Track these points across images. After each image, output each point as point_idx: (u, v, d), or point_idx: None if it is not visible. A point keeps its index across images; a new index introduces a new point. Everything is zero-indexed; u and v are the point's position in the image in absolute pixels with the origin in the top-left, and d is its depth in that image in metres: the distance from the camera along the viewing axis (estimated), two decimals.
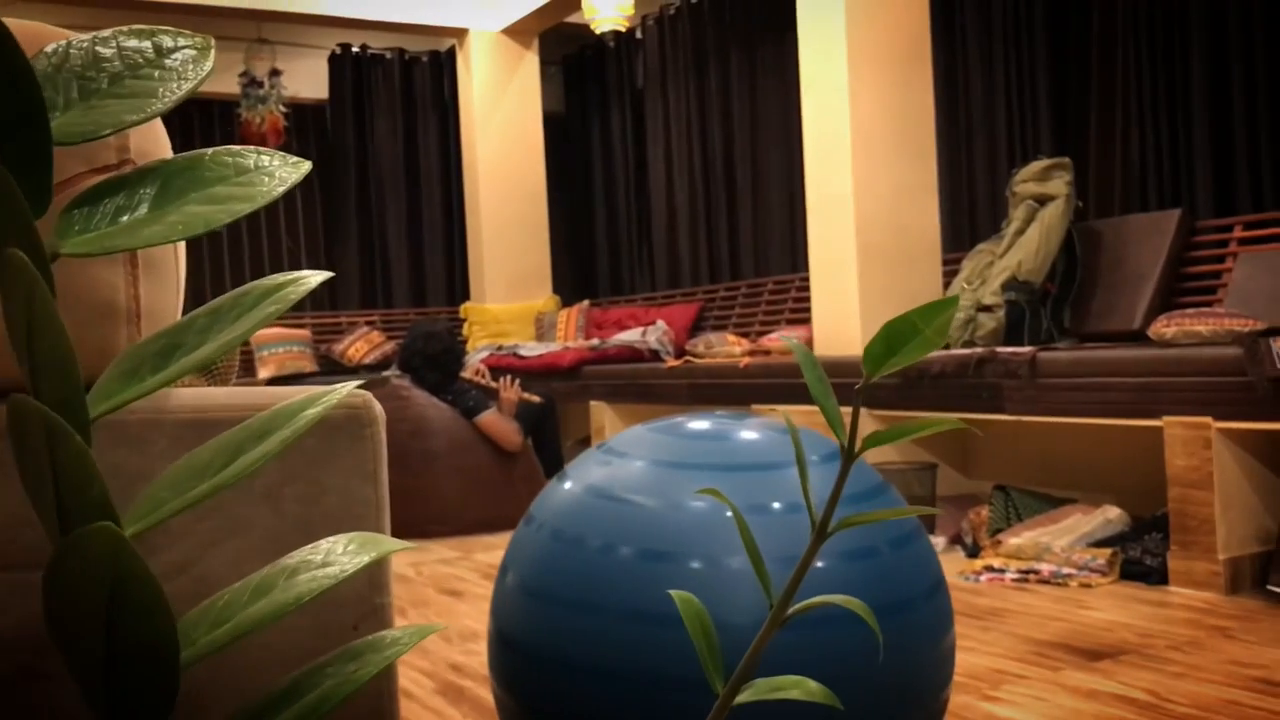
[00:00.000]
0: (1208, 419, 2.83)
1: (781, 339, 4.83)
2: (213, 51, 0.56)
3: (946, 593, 1.48)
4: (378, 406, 1.01)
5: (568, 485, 1.50)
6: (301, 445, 0.86)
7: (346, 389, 0.61)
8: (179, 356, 0.53)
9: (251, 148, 0.56)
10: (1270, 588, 2.69)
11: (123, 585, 0.46)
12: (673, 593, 0.70)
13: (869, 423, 3.87)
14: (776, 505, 1.37)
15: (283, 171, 0.54)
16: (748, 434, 1.49)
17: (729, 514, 1.32)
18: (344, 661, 0.58)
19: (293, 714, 0.53)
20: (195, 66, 0.53)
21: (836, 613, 1.27)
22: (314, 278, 0.59)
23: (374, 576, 0.98)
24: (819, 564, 1.33)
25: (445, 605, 3.08)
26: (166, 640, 0.48)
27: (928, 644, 1.40)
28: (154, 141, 0.86)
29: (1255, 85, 3.78)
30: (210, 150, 0.56)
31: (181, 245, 0.95)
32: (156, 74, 0.52)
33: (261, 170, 0.54)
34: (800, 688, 0.64)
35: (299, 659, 0.63)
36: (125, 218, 0.51)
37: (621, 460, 1.48)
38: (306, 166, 0.58)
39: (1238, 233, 3.72)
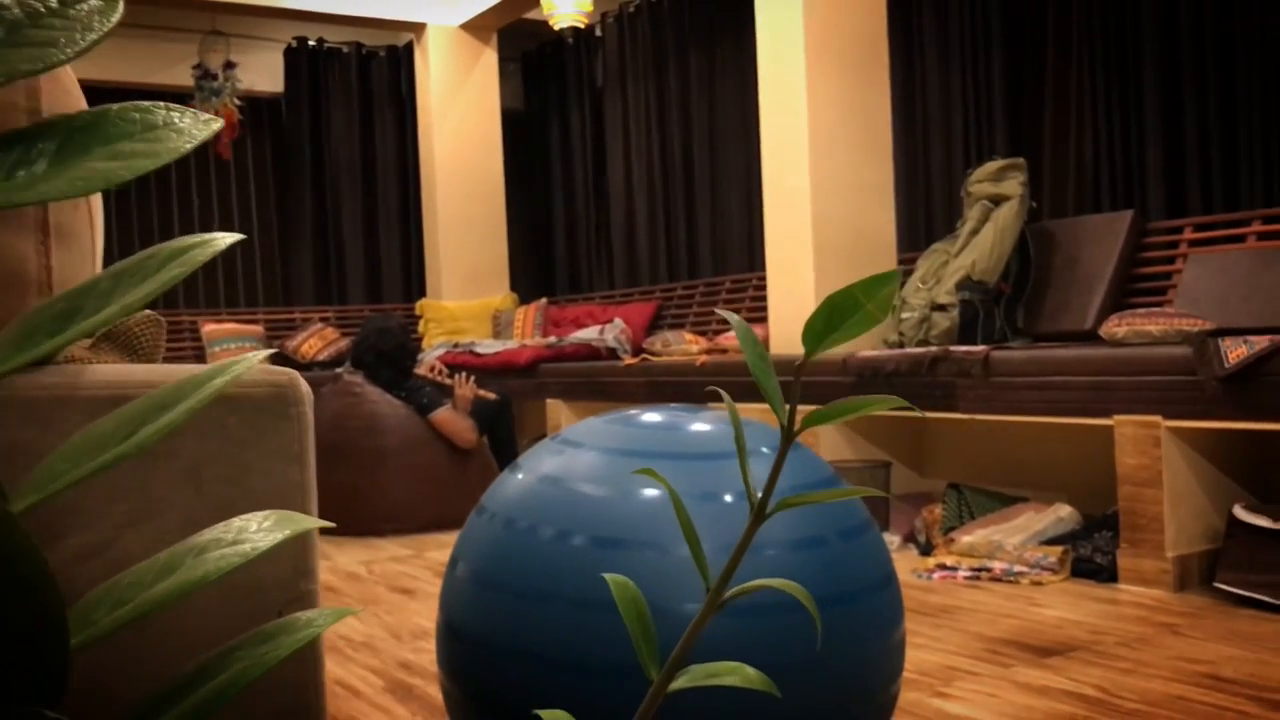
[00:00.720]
0: (1157, 418, 2.85)
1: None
2: (121, 4, 0.53)
3: (897, 586, 1.48)
4: (304, 386, 0.98)
5: (520, 475, 1.48)
6: (224, 424, 0.83)
7: (258, 358, 0.58)
8: (79, 320, 0.50)
9: (161, 103, 0.53)
10: (1217, 585, 2.72)
11: (6, 562, 0.43)
12: (607, 576, 0.68)
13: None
14: (728, 496, 1.36)
15: (194, 129, 0.51)
16: (701, 425, 1.48)
17: (683, 499, 1.31)
18: (255, 644, 0.55)
19: (201, 697, 0.51)
20: (102, 18, 0.51)
21: (784, 601, 1.26)
22: (223, 240, 0.56)
23: (299, 561, 0.96)
24: (769, 552, 1.32)
25: (396, 603, 3.04)
26: (54, 619, 0.45)
27: (877, 636, 1.40)
28: (68, 105, 0.82)
29: (1205, 90, 3.82)
30: (116, 106, 0.53)
31: (99, 216, 0.91)
32: (59, 24, 0.50)
33: (170, 127, 0.51)
34: (738, 674, 0.63)
35: (217, 646, 0.60)
36: (22, 173, 0.48)
37: (575, 450, 1.46)
38: (218, 124, 0.56)
39: (1188, 234, 3.76)
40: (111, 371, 0.82)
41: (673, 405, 1.58)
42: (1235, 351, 2.68)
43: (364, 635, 2.72)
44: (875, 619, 1.38)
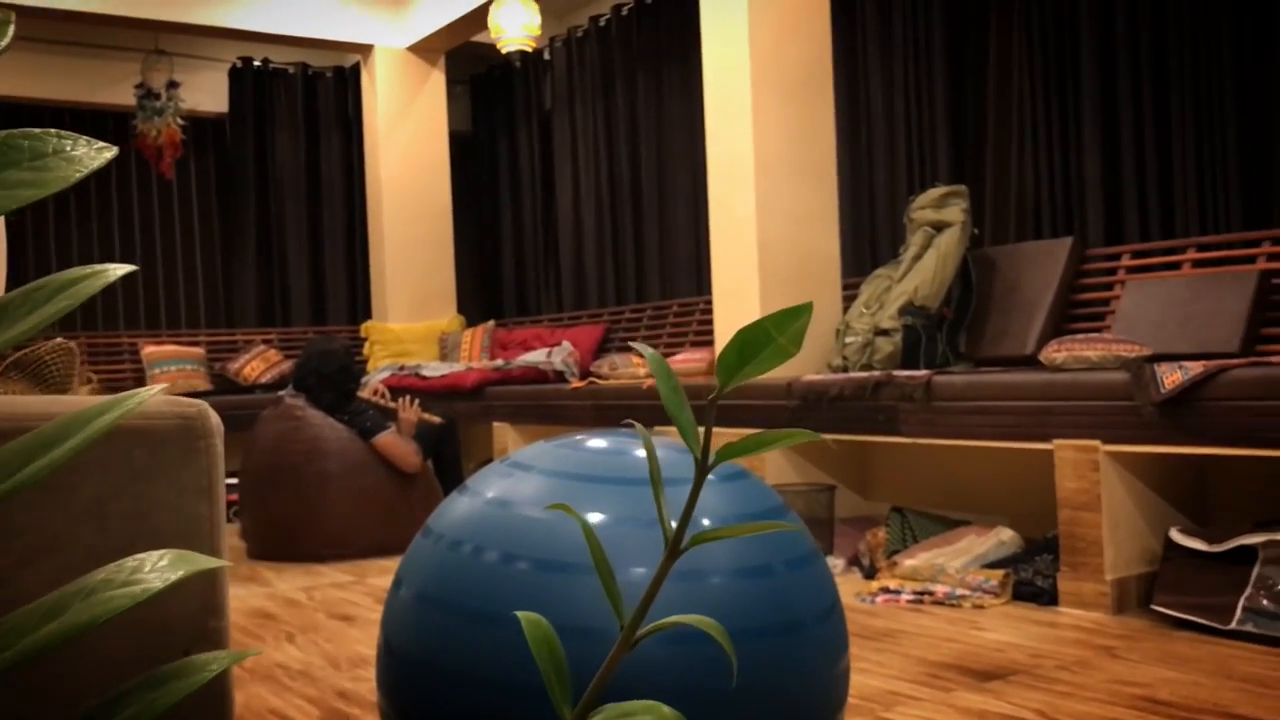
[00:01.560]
0: (1096, 442, 2.88)
1: (685, 360, 4.84)
2: (11, 26, 0.51)
3: (842, 615, 1.47)
4: (214, 418, 0.96)
5: (467, 497, 1.47)
6: (129, 458, 0.81)
7: (151, 393, 0.57)
8: None
9: (54, 131, 0.52)
10: (1155, 607, 2.75)
11: None
12: (521, 614, 0.66)
13: None
14: (674, 522, 1.35)
15: (87, 157, 0.50)
16: (642, 452, 1.47)
17: (627, 527, 1.30)
18: (147, 689, 0.53)
19: None
20: None
21: (729, 629, 1.25)
22: (114, 271, 0.55)
23: (207, 599, 0.93)
24: (713, 580, 1.31)
25: (336, 630, 3.00)
26: None
27: (822, 665, 1.39)
28: None
29: (1142, 120, 3.89)
30: (4, 132, 0.51)
31: (0, 248, 0.88)
32: None
33: (60, 155, 0.50)
34: (652, 713, 0.62)
35: (119, 686, 0.58)
36: None
37: (523, 473, 1.45)
38: (112, 152, 0.54)
39: (1126, 261, 3.82)
40: (5, 404, 0.80)
41: (621, 430, 1.57)
42: (1171, 377, 2.72)
43: (302, 663, 2.67)
44: (820, 648, 1.37)
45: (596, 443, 1.47)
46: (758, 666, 1.24)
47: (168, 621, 0.85)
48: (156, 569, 0.53)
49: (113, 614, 0.49)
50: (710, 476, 1.38)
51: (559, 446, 1.46)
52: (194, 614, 0.89)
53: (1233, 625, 2.56)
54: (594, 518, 1.31)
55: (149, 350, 6.18)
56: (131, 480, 0.82)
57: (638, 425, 0.72)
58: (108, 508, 0.79)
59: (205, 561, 0.55)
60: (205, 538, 0.90)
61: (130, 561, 0.54)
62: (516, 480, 1.41)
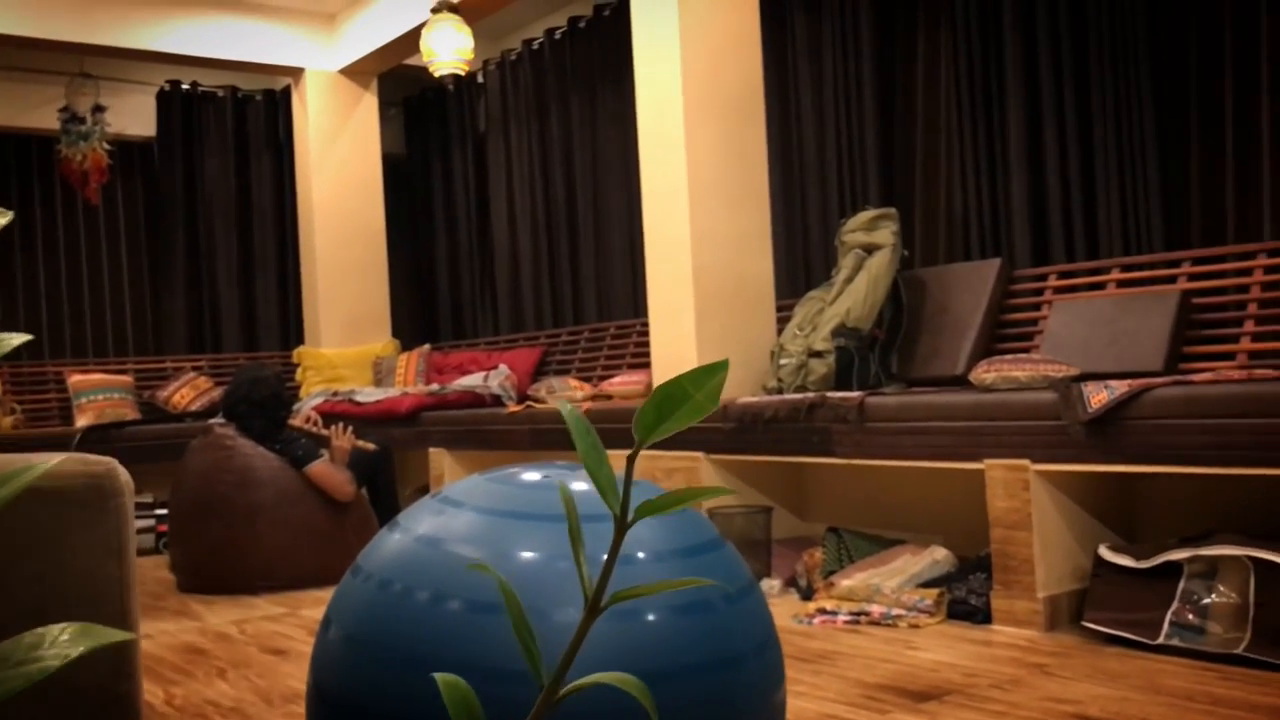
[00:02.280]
0: (1026, 462, 2.93)
1: (622, 383, 4.83)
2: None
3: (778, 647, 1.47)
4: (124, 476, 0.94)
5: (398, 535, 1.45)
6: (34, 519, 0.79)
7: (54, 462, 0.55)
8: None
9: None
10: (1085, 623, 2.79)
11: None
12: (437, 675, 0.65)
13: (708, 467, 3.89)
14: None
15: None
16: (584, 484, 1.46)
17: (561, 565, 1.28)
18: None
19: None
20: None
21: (663, 669, 1.24)
22: (11, 340, 0.53)
23: (118, 664, 0.90)
24: (650, 617, 1.29)
25: (268, 665, 2.95)
26: None
27: (759, 699, 1.38)
28: None
29: (1066, 143, 3.97)
30: None
31: None
32: None
33: None
34: None
35: None
36: None
37: (454, 510, 1.43)
38: (4, 218, 0.52)
39: (1052, 281, 3.89)
40: None
41: (557, 463, 1.56)
42: (1097, 397, 2.77)
43: (233, 700, 2.62)
44: (757, 682, 1.37)
45: (530, 476, 1.45)
46: (695, 704, 1.24)
47: (78, 686, 0.83)
48: (57, 645, 0.51)
49: (7, 696, 0.47)
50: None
51: (491, 481, 1.44)
52: (103, 679, 0.86)
53: (1160, 640, 2.61)
54: (526, 556, 1.30)
55: (75, 379, 6.04)
56: (38, 543, 0.79)
57: (563, 487, 0.72)
58: (12, 572, 0.76)
59: (110, 635, 0.54)
60: (116, 601, 0.88)
61: (29, 637, 0.52)
62: (448, 518, 1.39)
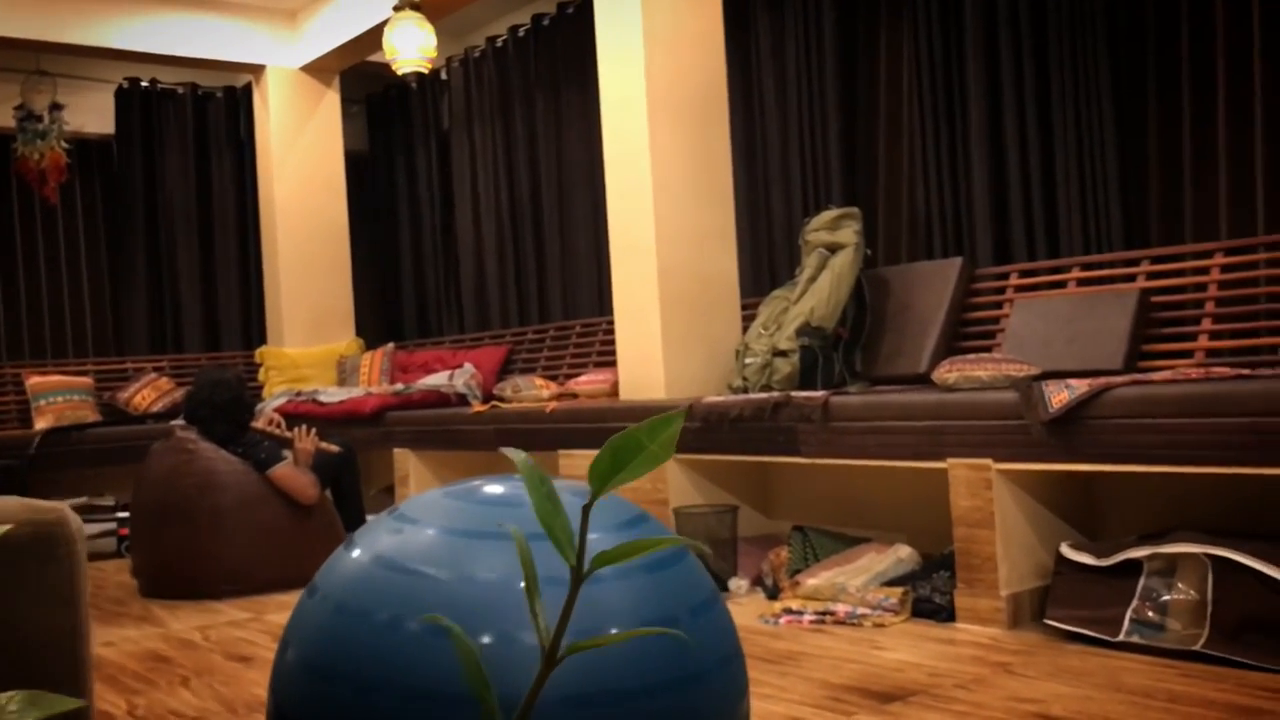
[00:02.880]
0: (988, 461, 2.95)
1: (588, 382, 4.83)
2: None
3: (741, 658, 1.47)
4: (75, 522, 0.92)
5: (355, 554, 1.43)
6: None
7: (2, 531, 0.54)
8: None
9: None
10: (1047, 621, 2.81)
11: None
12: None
13: (673, 466, 3.89)
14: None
15: None
16: None
17: (522, 585, 1.27)
18: None
19: None
20: None
21: (627, 688, 1.24)
22: None
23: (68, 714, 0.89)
24: (613, 630, 1.28)
25: (232, 673, 2.92)
26: None
27: (721, 714, 1.38)
28: None
29: (1027, 143, 4.01)
30: None
31: None
32: None
33: None
34: None
35: None
36: None
37: (413, 528, 1.41)
38: None
39: (1014, 280, 3.92)
40: None
41: (518, 476, 1.54)
42: (1058, 396, 2.80)
43: (196, 709, 2.60)
44: (721, 696, 1.37)
45: (490, 490, 1.44)
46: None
47: None
48: (5, 715, 0.50)
49: None
50: (609, 525, 1.38)
51: (448, 497, 1.43)
52: None
53: (1120, 637, 2.64)
54: (487, 576, 1.29)
55: (34, 381, 5.97)
56: None
57: (512, 528, 0.72)
58: None
59: (61, 703, 0.53)
60: (68, 653, 0.87)
61: None
62: (405, 537, 1.38)
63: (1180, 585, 2.64)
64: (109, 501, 5.44)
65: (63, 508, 0.87)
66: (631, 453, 0.58)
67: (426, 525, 1.40)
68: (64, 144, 6.32)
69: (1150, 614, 2.64)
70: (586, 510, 0.58)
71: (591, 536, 1.37)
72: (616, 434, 0.60)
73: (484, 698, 0.62)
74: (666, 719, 1.25)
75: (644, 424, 0.60)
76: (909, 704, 2.33)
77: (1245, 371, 2.86)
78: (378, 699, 1.25)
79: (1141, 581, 2.70)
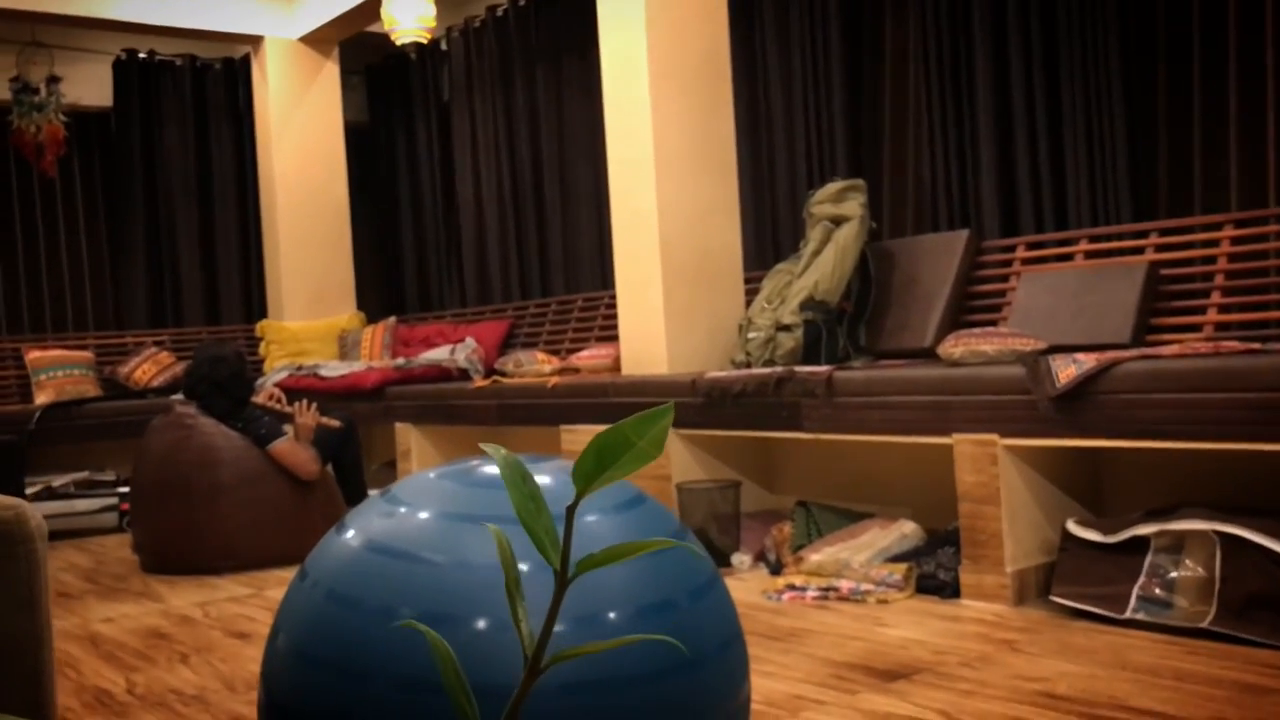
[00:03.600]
0: (994, 436, 2.92)
1: (590, 357, 4.79)
2: None
3: (742, 642, 1.44)
4: (35, 519, 0.88)
5: (346, 538, 1.39)
6: None
7: None
8: None
9: None
10: (1053, 598, 2.79)
11: None
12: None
13: (676, 441, 3.86)
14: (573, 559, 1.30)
15: None
16: (543, 480, 1.42)
17: (521, 569, 1.24)
18: None
19: None
20: None
21: (623, 675, 1.21)
22: None
23: None
24: (611, 621, 1.25)
25: (232, 649, 2.91)
26: None
27: (725, 698, 1.35)
28: None
29: (1034, 114, 3.95)
30: None
31: None
32: None
33: None
34: None
35: None
36: None
37: (406, 511, 1.38)
38: None
39: (1021, 253, 3.88)
40: None
41: (519, 454, 1.51)
42: (1065, 371, 2.76)
43: (195, 687, 2.58)
44: (722, 681, 1.34)
45: (485, 471, 1.41)
46: (657, 708, 1.21)
47: None
48: None
49: None
50: (605, 506, 1.34)
51: (442, 478, 1.40)
52: None
53: (1127, 614, 2.62)
54: (481, 560, 1.25)
55: (33, 355, 5.94)
56: None
57: (492, 527, 0.68)
58: None
59: None
60: (30, 657, 0.83)
61: None
62: (397, 521, 1.34)
63: (1188, 562, 2.61)
64: (110, 476, 5.42)
65: (20, 504, 0.83)
66: (618, 450, 0.54)
67: (419, 508, 1.37)
68: (62, 118, 6.27)
69: (1157, 591, 2.61)
70: (571, 511, 0.55)
71: (587, 519, 1.35)
72: (602, 432, 0.56)
73: (462, 706, 0.58)
74: (665, 705, 1.22)
75: (631, 419, 0.56)
76: (913, 682, 2.31)
77: (1255, 346, 2.82)
78: (369, 687, 1.22)
79: (1148, 558, 2.67)
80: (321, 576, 1.36)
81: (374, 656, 1.22)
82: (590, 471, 0.55)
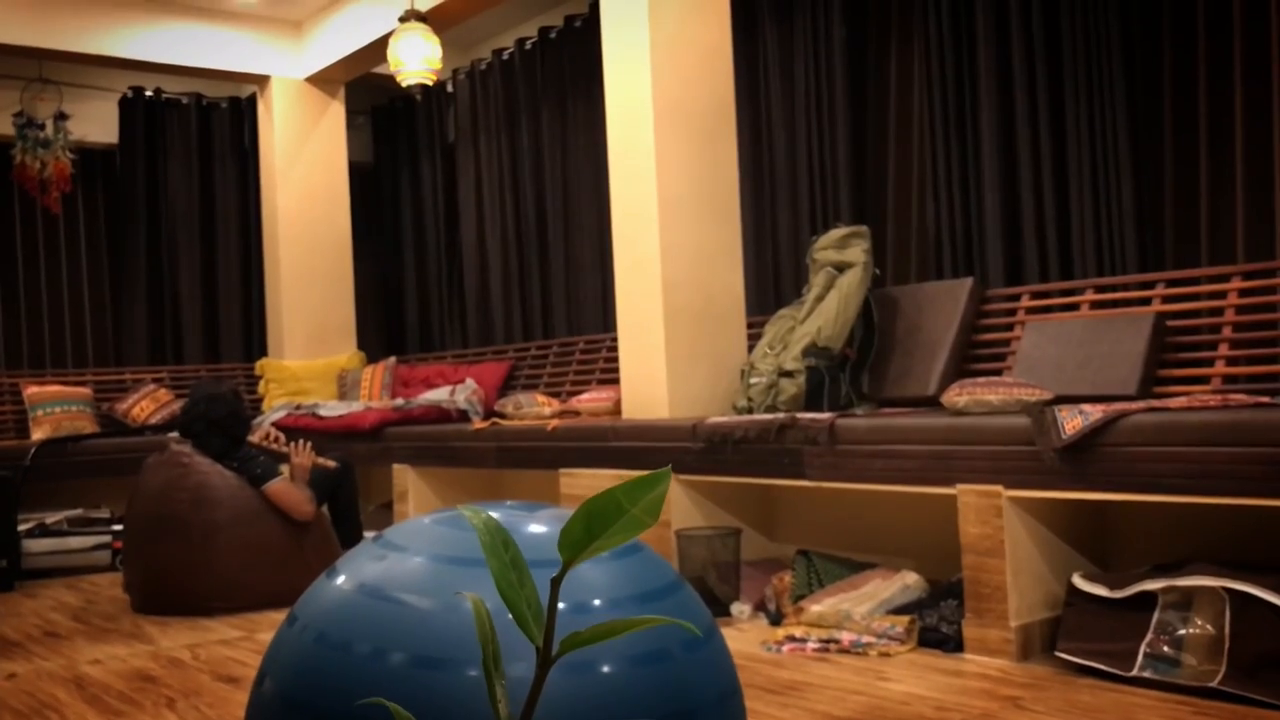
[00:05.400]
0: (998, 488, 2.87)
1: (591, 400, 4.75)
2: None
3: (739, 696, 1.39)
4: None
5: (337, 581, 1.36)
6: None
7: None
8: None
9: None
10: (1058, 653, 2.73)
11: None
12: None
13: (675, 487, 3.82)
14: (561, 606, 1.26)
15: None
16: (537, 527, 1.38)
17: (509, 617, 1.19)
18: None
19: None
20: None
21: None
22: None
23: None
24: (604, 669, 1.21)
25: (221, 695, 2.85)
26: None
27: None
28: None
29: (1040, 161, 3.93)
30: None
31: None
32: None
33: None
34: None
35: None
36: None
37: (398, 555, 1.34)
38: None
39: (1025, 301, 3.85)
40: None
41: (509, 503, 1.48)
42: (1071, 423, 2.72)
43: None
44: None
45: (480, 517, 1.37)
46: None
47: None
48: None
49: None
50: (601, 555, 1.30)
51: (437, 523, 1.36)
52: None
53: (1134, 672, 2.56)
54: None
55: (32, 391, 5.91)
56: None
57: (473, 598, 0.64)
58: None
59: None
60: None
61: None
62: (390, 563, 1.31)
63: (1197, 619, 2.56)
64: (105, 514, 5.36)
65: None
66: (609, 517, 0.50)
67: (413, 552, 1.34)
68: (69, 155, 6.28)
69: (1165, 649, 2.56)
70: (556, 584, 0.51)
71: (581, 569, 1.30)
72: (592, 498, 0.52)
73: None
74: None
75: (624, 485, 0.52)
76: None
77: (1264, 400, 2.78)
78: None
79: (1156, 615, 2.62)
80: (311, 620, 1.32)
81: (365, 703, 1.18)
82: (578, 540, 0.51)
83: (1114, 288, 3.66)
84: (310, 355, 6.45)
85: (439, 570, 1.28)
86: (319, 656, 1.27)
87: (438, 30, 5.35)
